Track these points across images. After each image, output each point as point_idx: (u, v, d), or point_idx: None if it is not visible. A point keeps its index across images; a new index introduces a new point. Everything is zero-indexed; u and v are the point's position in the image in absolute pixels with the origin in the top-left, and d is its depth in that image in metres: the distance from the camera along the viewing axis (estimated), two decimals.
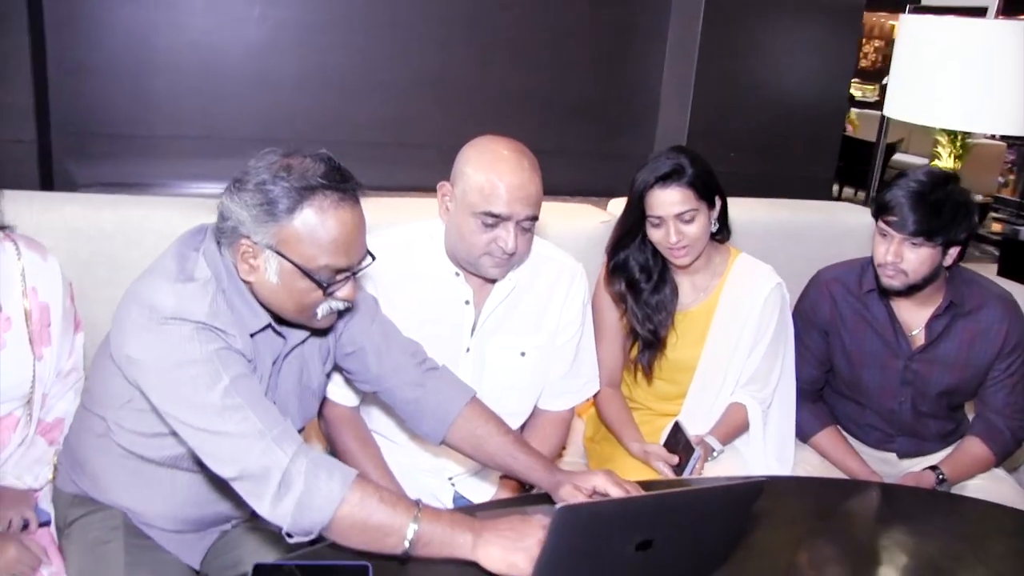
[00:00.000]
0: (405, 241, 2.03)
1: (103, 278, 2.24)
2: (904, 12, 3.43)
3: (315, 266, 1.51)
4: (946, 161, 6.18)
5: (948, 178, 2.14)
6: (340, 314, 1.66)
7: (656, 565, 1.44)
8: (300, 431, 1.81)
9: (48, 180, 2.81)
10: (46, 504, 1.87)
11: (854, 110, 8.72)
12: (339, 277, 1.55)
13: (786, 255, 2.78)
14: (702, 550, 1.50)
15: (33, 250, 1.92)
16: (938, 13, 3.32)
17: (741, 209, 2.81)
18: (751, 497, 1.49)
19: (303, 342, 1.72)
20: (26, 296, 1.88)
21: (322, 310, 1.58)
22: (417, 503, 1.48)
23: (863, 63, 11.65)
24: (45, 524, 1.84)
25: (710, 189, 2.21)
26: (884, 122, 3.56)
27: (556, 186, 3.26)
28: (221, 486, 1.72)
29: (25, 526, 1.80)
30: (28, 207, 2.22)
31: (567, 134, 3.45)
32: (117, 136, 2.94)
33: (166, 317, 1.48)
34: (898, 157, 8.26)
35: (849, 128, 8.45)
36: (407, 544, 1.43)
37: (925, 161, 7.04)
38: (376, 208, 2.45)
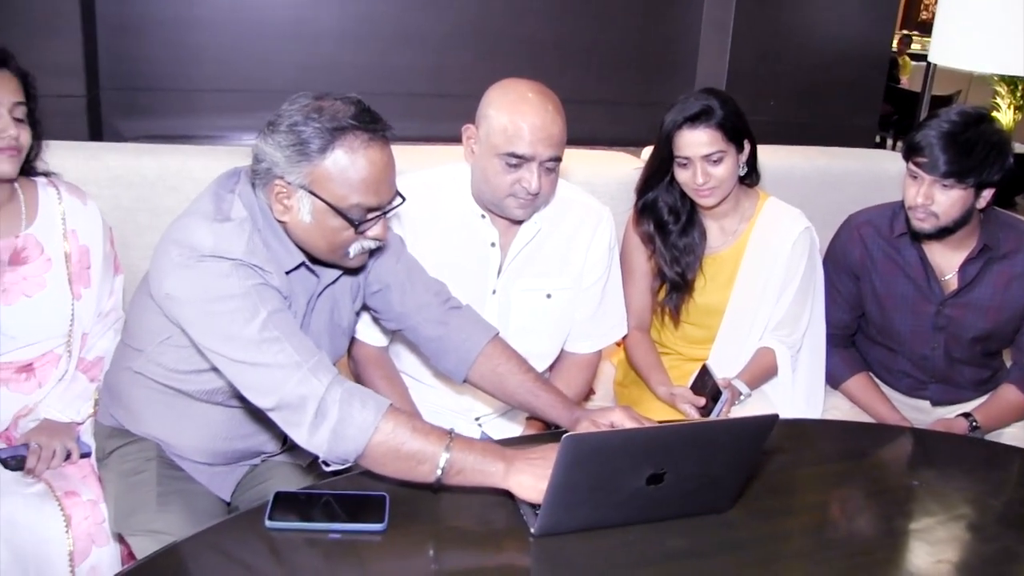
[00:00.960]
0: (431, 184, 2.06)
1: (144, 224, 2.32)
2: None
3: (346, 204, 1.55)
4: (1005, 113, 6.02)
5: (981, 117, 2.08)
6: (371, 253, 1.70)
7: (669, 499, 1.46)
8: None
9: (97, 133, 2.90)
10: (87, 437, 1.97)
11: (912, 63, 8.49)
12: (370, 216, 1.59)
13: (824, 202, 2.76)
14: (715, 484, 1.51)
15: (74, 195, 2.01)
16: None
17: (778, 156, 2.80)
18: (764, 430, 1.49)
19: (335, 281, 1.76)
20: (66, 238, 1.97)
21: (354, 249, 1.62)
22: (450, 432, 1.51)
23: (924, 15, 11.33)
24: (86, 455, 1.94)
25: (739, 132, 2.20)
26: (930, 69, 3.48)
27: (595, 135, 3.30)
28: (253, 421, 1.79)
29: (68, 456, 1.91)
30: (73, 156, 2.31)
31: (605, 83, 3.45)
32: (161, 91, 3.03)
33: (204, 255, 1.53)
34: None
35: (904, 80, 8.26)
36: (440, 472, 1.47)
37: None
38: (415, 156, 2.52)
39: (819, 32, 3.44)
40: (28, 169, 1.95)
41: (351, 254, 1.63)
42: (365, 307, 1.91)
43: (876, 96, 3.61)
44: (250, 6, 3.04)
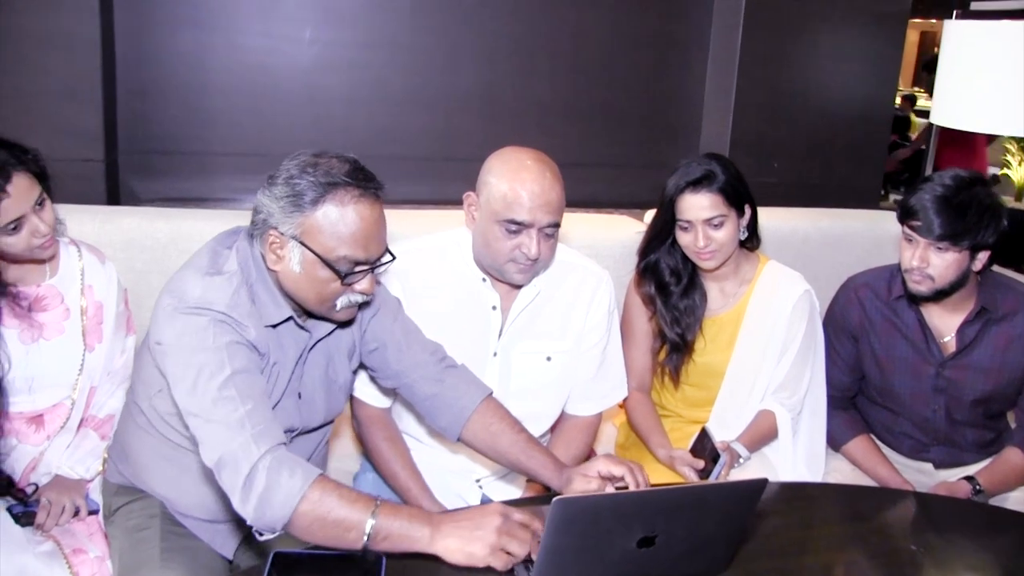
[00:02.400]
0: (434, 249, 2.11)
1: (156, 286, 2.32)
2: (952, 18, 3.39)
3: (334, 256, 1.61)
4: (1016, 170, 6.03)
5: (974, 181, 2.11)
6: (360, 307, 1.75)
7: (660, 562, 1.47)
8: (329, 423, 1.93)
9: (114, 196, 2.96)
10: (96, 495, 2.03)
11: (919, 120, 8.54)
12: (357, 269, 1.64)
13: (827, 264, 2.79)
14: (707, 547, 1.52)
15: (93, 254, 2.12)
16: (988, 18, 3.28)
17: (780, 217, 2.84)
18: (755, 494, 1.51)
19: (329, 335, 1.82)
20: (83, 293, 2.07)
21: (341, 302, 1.67)
22: (376, 499, 1.52)
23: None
24: (94, 512, 2.00)
25: (740, 196, 2.24)
26: (931, 130, 3.52)
27: (598, 196, 3.35)
28: None
29: (76, 512, 1.96)
30: (91, 220, 2.39)
31: (611, 145, 3.50)
32: (177, 154, 3.09)
33: (189, 306, 1.60)
34: None
35: (914, 138, 8.30)
36: (366, 538, 1.48)
37: (994, 171, 6.87)
38: (422, 219, 2.58)
39: (822, 93, 3.49)
40: None
41: (338, 306, 1.68)
42: (362, 365, 1.95)
43: (880, 156, 3.63)
44: (263, 72, 3.12)
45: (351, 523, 1.48)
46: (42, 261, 1.99)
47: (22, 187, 1.85)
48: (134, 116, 3.02)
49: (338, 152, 1.66)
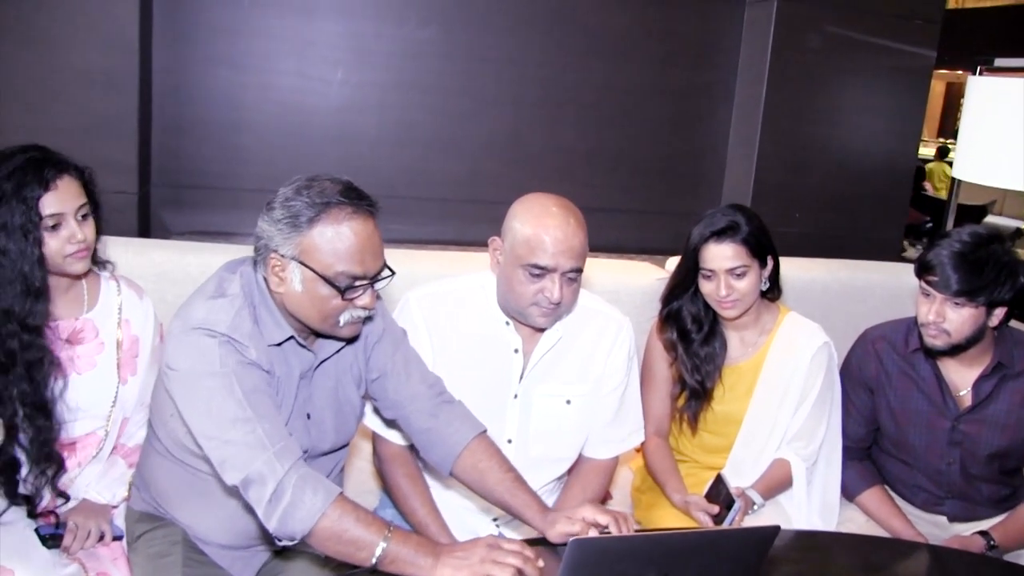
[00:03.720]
0: (459, 292, 2.15)
1: None
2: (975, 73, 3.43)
3: (333, 273, 1.67)
4: None
5: (992, 238, 2.13)
6: (365, 322, 1.82)
7: None
8: (341, 449, 1.98)
9: (145, 227, 3.03)
10: (120, 521, 2.08)
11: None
12: (357, 284, 1.70)
13: (846, 315, 2.81)
14: None
15: (132, 289, 2.17)
16: (1012, 74, 3.31)
17: (800, 268, 2.86)
18: (766, 541, 1.53)
19: (335, 353, 1.87)
20: (120, 327, 2.11)
21: (344, 318, 1.73)
22: (388, 525, 1.61)
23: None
24: (118, 538, 2.04)
25: (763, 248, 2.28)
26: (955, 183, 3.55)
27: (622, 242, 3.39)
28: None
29: (101, 537, 2.00)
30: (123, 252, 2.42)
31: (635, 192, 3.54)
32: (208, 188, 3.16)
33: (194, 327, 1.67)
34: (990, 219, 8.07)
35: (929, 188, 8.33)
36: (375, 560, 1.57)
37: (1020, 224, 6.87)
38: (445, 260, 2.62)
39: (845, 146, 3.52)
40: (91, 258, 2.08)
41: (341, 322, 1.74)
42: (367, 395, 2.00)
43: (902, 208, 3.65)
44: (294, 110, 3.19)
45: (364, 543, 1.58)
46: (75, 277, 2.02)
47: (69, 189, 1.92)
48: (168, 151, 3.09)
49: (331, 174, 1.74)
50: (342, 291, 1.68)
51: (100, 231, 2.05)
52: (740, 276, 2.25)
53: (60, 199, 1.89)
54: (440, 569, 1.56)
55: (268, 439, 1.61)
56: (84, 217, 1.96)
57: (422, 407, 1.91)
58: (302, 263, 1.67)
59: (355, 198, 1.69)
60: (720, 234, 2.24)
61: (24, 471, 1.94)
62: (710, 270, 2.27)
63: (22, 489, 1.94)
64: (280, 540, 1.61)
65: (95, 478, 2.09)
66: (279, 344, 1.76)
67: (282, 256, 1.68)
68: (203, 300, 1.73)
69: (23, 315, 1.87)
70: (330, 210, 1.66)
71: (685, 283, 2.37)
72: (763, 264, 2.29)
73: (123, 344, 2.11)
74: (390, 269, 1.76)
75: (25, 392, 1.89)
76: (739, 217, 2.26)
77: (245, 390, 1.64)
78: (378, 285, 1.74)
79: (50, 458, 1.95)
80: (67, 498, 2.03)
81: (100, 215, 2.04)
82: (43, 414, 1.92)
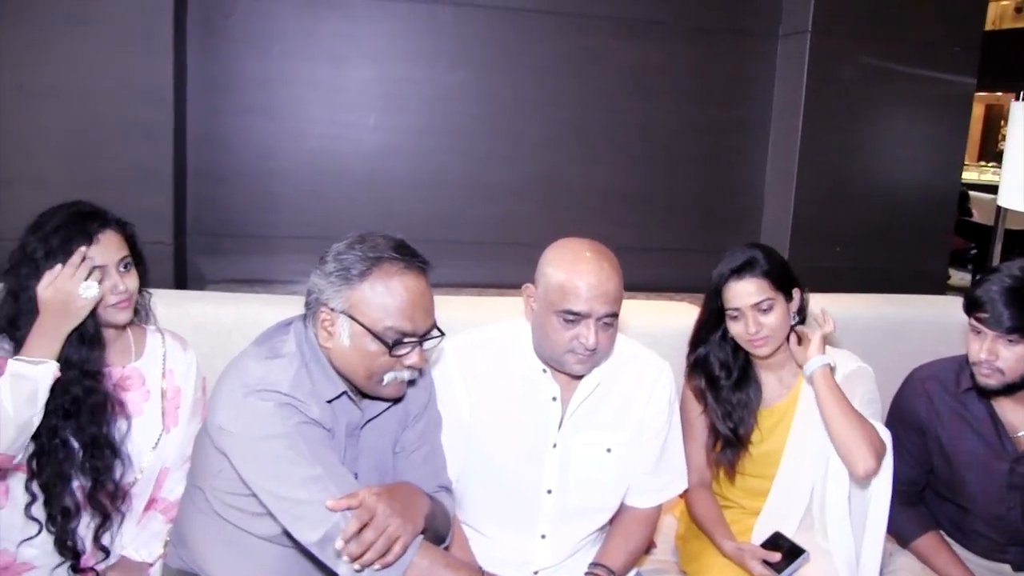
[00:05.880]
0: (494, 340, 2.12)
1: (220, 370, 2.39)
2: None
3: (381, 328, 1.67)
4: None
5: None
6: (410, 384, 1.80)
7: None
8: None
9: (182, 277, 3.04)
10: None
11: (987, 195, 8.43)
12: (405, 340, 1.68)
13: (891, 353, 2.72)
14: None
15: (176, 341, 2.21)
16: None
17: (842, 304, 2.79)
18: None
19: (381, 414, 1.86)
20: (164, 377, 2.13)
21: (388, 377, 1.72)
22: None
23: (1001, 145, 11.25)
24: None
25: (786, 280, 2.23)
26: (1000, 211, 3.47)
27: (660, 281, 3.34)
28: (306, 559, 1.83)
29: None
30: (160, 303, 2.42)
31: (672, 230, 3.51)
32: (243, 236, 3.17)
33: (253, 389, 1.66)
34: None
35: (976, 214, 8.18)
36: None
37: None
38: (480, 306, 2.59)
39: (885, 177, 3.46)
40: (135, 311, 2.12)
41: (385, 381, 1.73)
42: None
43: (945, 239, 3.56)
44: (328, 158, 3.20)
45: None
46: (118, 327, 2.04)
47: (111, 242, 1.96)
48: (202, 200, 3.11)
49: (384, 232, 1.75)
50: (390, 347, 1.67)
51: (145, 283, 2.10)
52: (767, 311, 2.20)
53: (102, 252, 1.94)
54: None
55: (341, 493, 1.60)
56: (126, 267, 2.00)
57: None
58: (351, 317, 1.67)
59: (407, 254, 1.70)
60: (739, 271, 2.21)
61: (74, 523, 1.94)
62: (736, 308, 2.23)
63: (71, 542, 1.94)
64: None
65: (132, 534, 2.07)
66: (330, 400, 1.75)
67: (332, 310, 1.69)
68: (258, 360, 1.72)
69: (82, 362, 1.91)
70: (382, 264, 1.67)
71: (709, 326, 2.33)
72: (788, 297, 2.24)
73: (167, 394, 2.12)
74: (439, 330, 1.74)
75: (96, 436, 1.92)
76: (756, 252, 2.23)
77: (312, 447, 1.63)
78: (427, 344, 1.73)
79: (99, 509, 1.96)
80: (107, 553, 2.02)
81: (144, 268, 2.09)
82: (112, 452, 1.95)
